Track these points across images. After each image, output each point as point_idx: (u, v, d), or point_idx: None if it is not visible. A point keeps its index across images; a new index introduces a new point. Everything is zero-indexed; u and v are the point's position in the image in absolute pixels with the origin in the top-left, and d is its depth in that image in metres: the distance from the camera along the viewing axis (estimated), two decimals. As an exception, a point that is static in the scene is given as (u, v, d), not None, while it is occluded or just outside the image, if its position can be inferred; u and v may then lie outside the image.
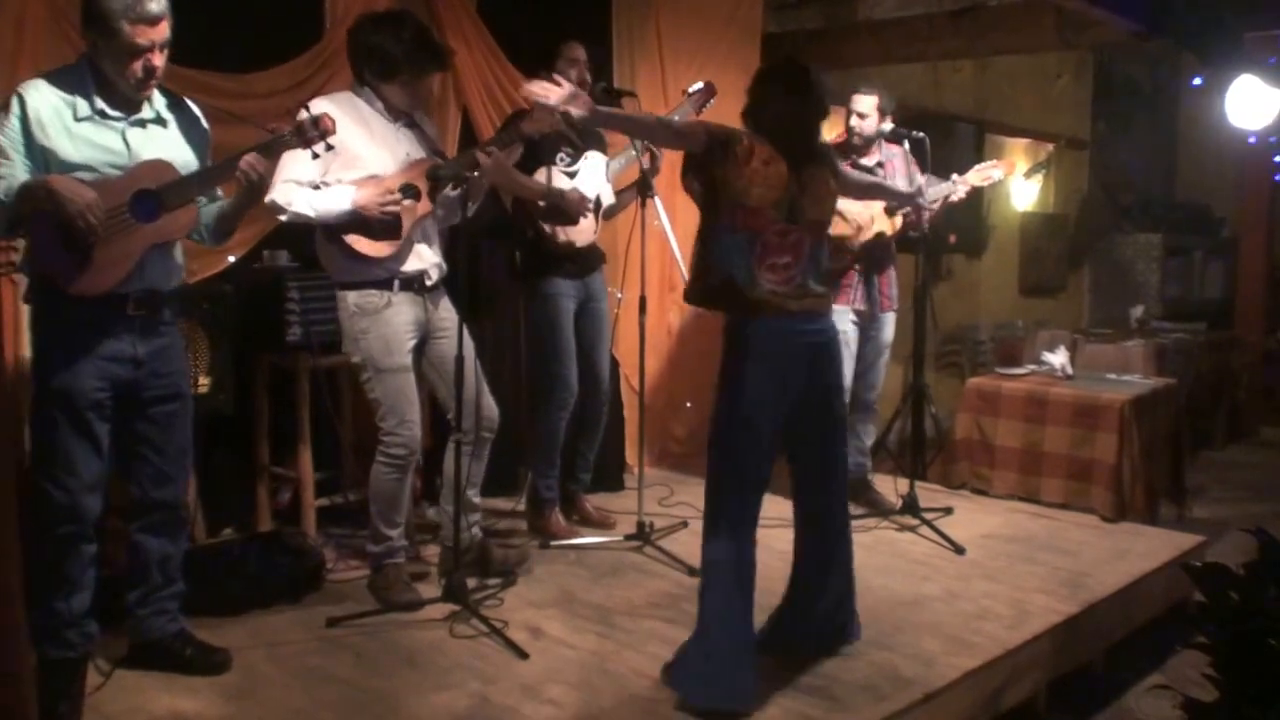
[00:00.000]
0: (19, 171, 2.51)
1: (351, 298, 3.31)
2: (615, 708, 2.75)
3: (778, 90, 2.87)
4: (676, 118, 4.09)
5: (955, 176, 4.46)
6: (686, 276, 3.89)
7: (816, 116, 2.93)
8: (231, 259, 3.70)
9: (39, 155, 2.53)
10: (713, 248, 2.83)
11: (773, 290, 2.78)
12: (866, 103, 4.36)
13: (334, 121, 2.84)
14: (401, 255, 3.32)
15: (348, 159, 3.25)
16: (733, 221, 2.77)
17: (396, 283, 3.32)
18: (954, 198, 4.48)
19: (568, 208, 3.93)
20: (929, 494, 4.63)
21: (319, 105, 3.24)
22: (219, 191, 2.88)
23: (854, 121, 4.38)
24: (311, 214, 3.21)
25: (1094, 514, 4.55)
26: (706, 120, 3.17)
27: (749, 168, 2.75)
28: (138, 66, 2.56)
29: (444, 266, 3.49)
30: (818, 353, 2.88)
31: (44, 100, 2.55)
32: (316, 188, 3.25)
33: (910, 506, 4.31)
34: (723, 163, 2.76)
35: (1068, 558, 4.00)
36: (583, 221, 3.98)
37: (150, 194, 2.59)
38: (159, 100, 2.73)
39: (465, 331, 3.35)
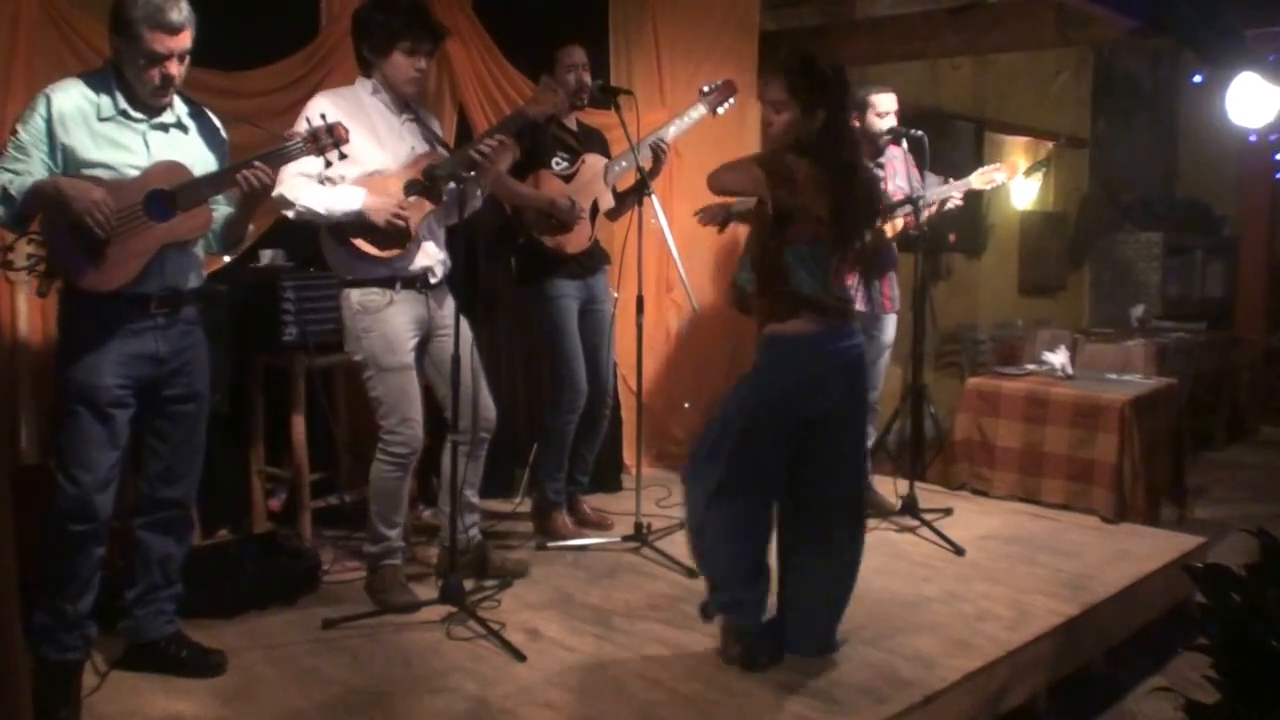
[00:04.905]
0: (36, 169, 2.55)
1: (354, 296, 3.30)
2: (613, 710, 2.73)
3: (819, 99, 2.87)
4: (690, 117, 4.07)
5: (952, 181, 4.44)
6: (685, 278, 3.90)
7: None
8: (227, 258, 3.68)
9: (59, 153, 2.58)
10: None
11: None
12: (889, 100, 4.32)
13: (348, 131, 2.85)
14: (408, 254, 3.31)
15: (351, 154, 3.22)
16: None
17: (399, 281, 3.31)
18: (950, 205, 4.46)
19: (558, 216, 3.91)
20: (928, 495, 4.61)
21: (320, 101, 3.23)
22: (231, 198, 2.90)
23: (871, 120, 4.32)
24: (322, 211, 3.19)
25: (1094, 515, 4.53)
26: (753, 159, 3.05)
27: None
28: (155, 73, 2.60)
29: (448, 263, 3.47)
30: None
31: (70, 100, 2.59)
32: (321, 182, 3.23)
33: (910, 507, 4.30)
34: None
35: (1068, 559, 3.98)
36: (575, 228, 3.96)
37: (164, 194, 2.61)
38: (180, 107, 2.77)
39: (466, 331, 3.34)
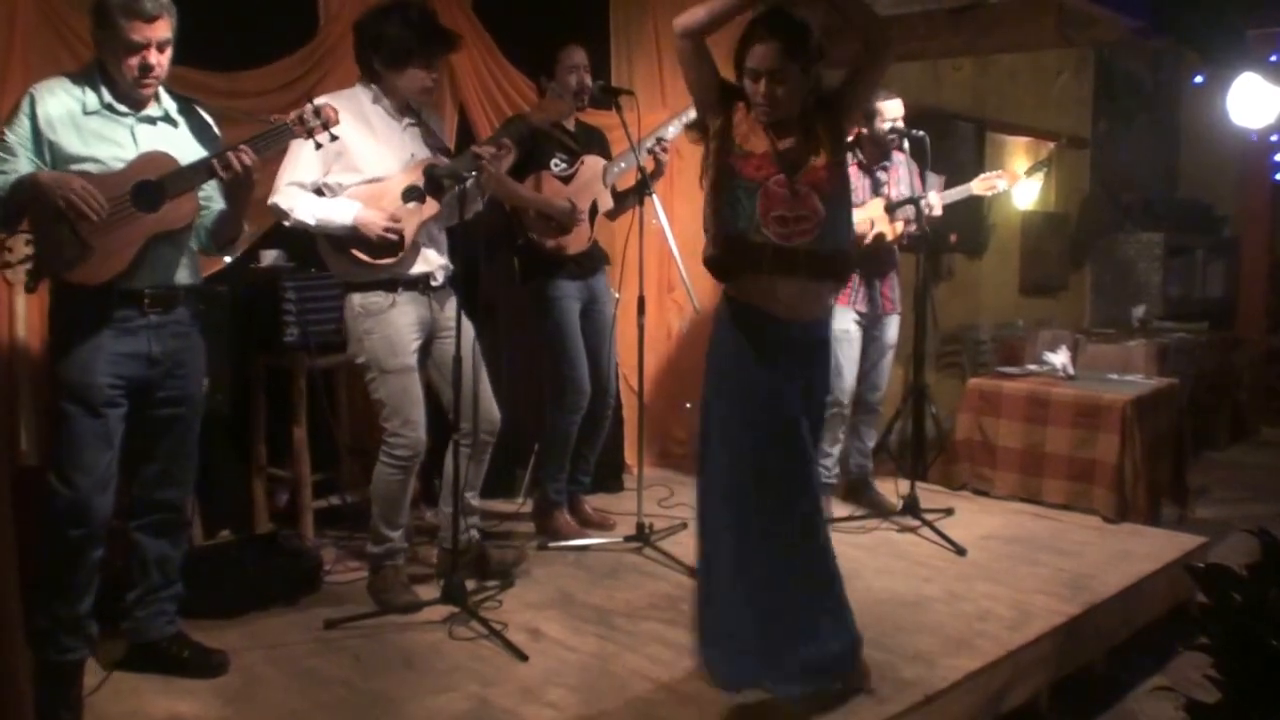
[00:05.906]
0: (23, 169, 2.54)
1: (356, 299, 3.30)
2: (615, 710, 2.73)
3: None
4: (689, 115, 4.07)
5: (934, 189, 4.45)
6: (686, 278, 3.90)
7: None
8: (227, 259, 3.68)
9: (47, 151, 2.57)
10: None
11: None
12: (896, 107, 4.28)
13: (336, 111, 2.83)
14: (406, 260, 3.30)
15: (350, 161, 3.22)
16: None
17: (400, 284, 3.31)
18: (940, 206, 4.47)
19: (556, 217, 3.91)
20: (930, 495, 4.61)
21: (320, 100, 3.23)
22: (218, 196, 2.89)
23: (879, 126, 4.27)
24: (312, 223, 3.20)
25: (1096, 515, 4.53)
26: None
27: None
28: (134, 62, 2.59)
29: (450, 267, 3.47)
30: None
31: (55, 98, 2.59)
32: (319, 191, 3.23)
33: (911, 507, 4.29)
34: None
35: (1069, 559, 3.98)
36: (575, 229, 3.96)
37: (151, 184, 2.60)
38: (169, 103, 2.76)
39: (468, 330, 3.34)
